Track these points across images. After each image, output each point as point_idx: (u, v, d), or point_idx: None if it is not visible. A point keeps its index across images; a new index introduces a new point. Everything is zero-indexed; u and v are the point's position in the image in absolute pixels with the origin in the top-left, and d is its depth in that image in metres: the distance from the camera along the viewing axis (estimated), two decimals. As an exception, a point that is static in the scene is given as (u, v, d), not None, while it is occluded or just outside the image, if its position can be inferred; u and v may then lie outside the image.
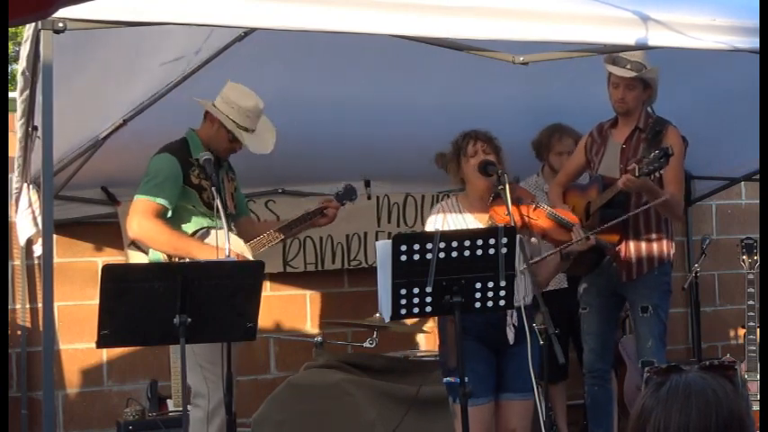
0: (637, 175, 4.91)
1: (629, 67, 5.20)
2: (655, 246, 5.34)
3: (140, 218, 4.78)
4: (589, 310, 5.50)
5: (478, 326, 4.51)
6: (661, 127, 5.31)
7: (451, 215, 4.75)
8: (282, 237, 5.23)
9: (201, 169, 4.92)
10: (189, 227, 4.92)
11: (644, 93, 5.32)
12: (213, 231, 4.89)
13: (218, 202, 4.74)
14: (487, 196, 4.69)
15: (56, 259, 4.49)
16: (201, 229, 4.90)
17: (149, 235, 4.81)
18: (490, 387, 4.62)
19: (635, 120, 5.35)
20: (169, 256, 4.83)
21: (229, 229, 4.84)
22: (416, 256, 4.05)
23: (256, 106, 4.98)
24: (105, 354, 6.67)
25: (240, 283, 4.26)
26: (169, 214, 4.87)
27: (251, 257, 4.92)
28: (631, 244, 5.32)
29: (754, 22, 4.25)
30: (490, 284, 4.17)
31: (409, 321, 6.14)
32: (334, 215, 5.33)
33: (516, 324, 4.60)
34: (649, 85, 5.32)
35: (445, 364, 4.61)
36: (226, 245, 4.71)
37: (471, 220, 4.71)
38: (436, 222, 4.71)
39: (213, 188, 4.79)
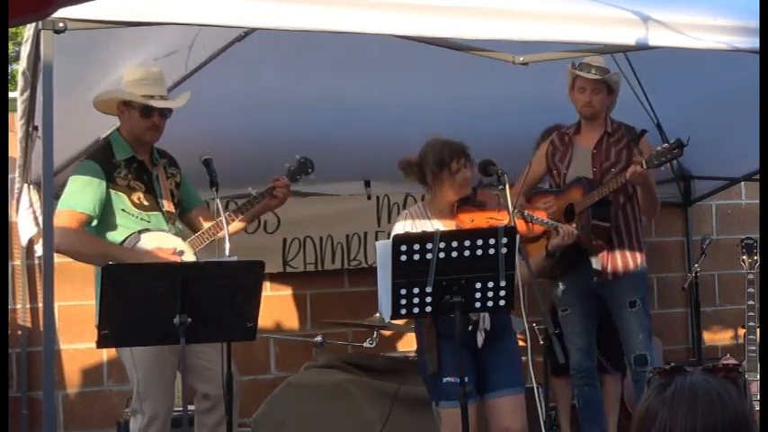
0: (646, 167, 4.98)
1: (593, 71, 5.31)
2: (636, 245, 5.48)
3: (62, 230, 4.51)
4: (571, 311, 5.55)
5: (450, 328, 4.41)
6: (638, 131, 5.45)
7: (420, 221, 4.75)
8: (223, 228, 4.85)
9: (128, 170, 4.78)
10: (120, 231, 4.75)
11: (608, 97, 5.47)
12: (144, 235, 4.73)
13: (217, 203, 4.74)
14: (454, 206, 4.73)
15: (56, 259, 4.48)
16: (131, 234, 4.72)
17: (73, 247, 4.65)
18: (472, 388, 4.59)
19: (601, 125, 5.49)
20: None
21: (172, 226, 4.80)
22: (416, 256, 4.06)
23: (149, 72, 4.78)
24: (105, 354, 6.66)
25: (240, 283, 4.26)
26: (94, 223, 4.73)
27: (191, 257, 4.78)
28: (615, 243, 5.42)
29: (755, 22, 4.26)
30: (490, 284, 4.17)
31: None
32: (283, 195, 5.01)
33: (488, 328, 4.60)
34: (612, 90, 5.48)
35: (425, 369, 4.62)
36: (226, 244, 4.70)
37: (439, 226, 4.69)
38: (405, 227, 4.69)
39: (213, 188, 4.78)
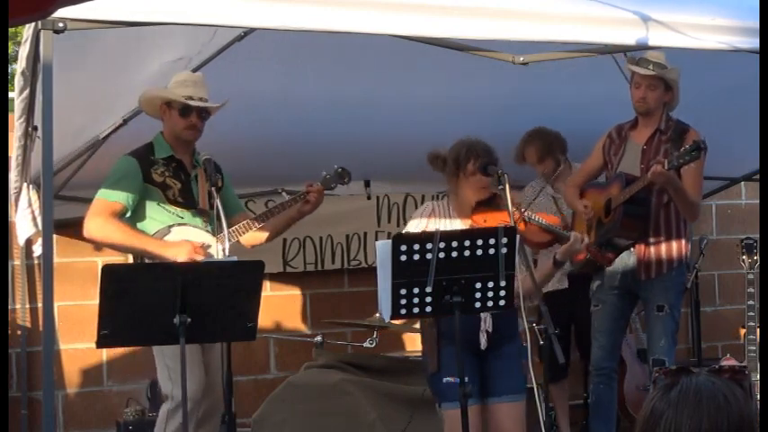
0: (667, 167, 4.96)
1: (650, 67, 5.23)
2: (674, 246, 5.39)
3: (96, 217, 4.82)
4: (601, 308, 5.50)
5: (455, 330, 4.43)
6: (684, 128, 5.36)
7: (440, 219, 4.73)
8: (258, 225, 5.07)
9: (166, 167, 4.94)
10: (153, 224, 4.90)
11: (665, 94, 5.36)
12: (174, 228, 4.89)
13: (217, 202, 4.75)
14: (471, 206, 4.69)
15: (56, 259, 4.49)
16: (162, 228, 4.90)
17: (105, 234, 4.84)
18: (474, 390, 4.58)
19: (656, 121, 5.39)
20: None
21: (206, 224, 4.91)
22: (416, 256, 4.05)
23: (191, 75, 4.92)
24: (105, 354, 6.67)
25: (240, 282, 4.26)
26: (128, 213, 4.90)
27: (217, 250, 4.88)
28: (652, 243, 5.35)
29: (755, 22, 4.26)
30: (490, 284, 4.16)
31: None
32: (316, 200, 5.11)
33: (490, 330, 4.59)
34: (670, 88, 5.36)
35: (426, 369, 4.64)
36: (225, 243, 4.72)
37: (459, 225, 4.66)
38: (420, 225, 4.68)
39: (213, 188, 4.80)
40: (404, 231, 4.67)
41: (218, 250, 4.88)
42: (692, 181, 5.27)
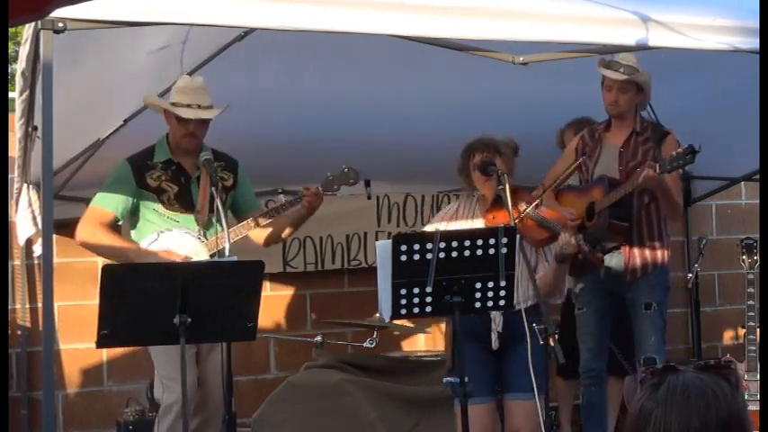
0: (659, 171, 4.98)
1: (621, 70, 5.26)
2: (657, 246, 5.42)
3: (85, 224, 4.96)
4: (587, 310, 5.51)
5: (472, 328, 4.51)
6: (662, 129, 5.39)
7: (460, 221, 4.74)
8: (248, 230, 5.01)
9: (164, 171, 4.95)
10: (149, 227, 4.93)
11: (636, 96, 5.39)
12: (162, 235, 4.89)
13: (217, 203, 4.75)
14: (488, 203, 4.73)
15: (56, 259, 4.49)
16: (152, 234, 4.91)
17: (90, 241, 4.95)
18: (487, 387, 4.63)
19: (630, 123, 5.43)
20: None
21: (201, 228, 4.92)
22: (416, 256, 4.06)
23: (191, 82, 4.91)
24: (105, 354, 6.66)
25: (240, 282, 4.26)
26: (120, 222, 4.97)
27: (205, 257, 4.88)
28: (635, 244, 5.37)
29: (755, 22, 4.26)
30: (490, 284, 4.18)
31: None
32: (310, 204, 5.01)
33: (500, 330, 4.60)
34: (642, 89, 5.39)
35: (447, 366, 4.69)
36: (226, 244, 4.72)
37: (481, 224, 4.71)
38: (436, 227, 4.71)
39: (213, 188, 4.80)
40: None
41: (207, 256, 4.87)
42: (674, 181, 5.31)
